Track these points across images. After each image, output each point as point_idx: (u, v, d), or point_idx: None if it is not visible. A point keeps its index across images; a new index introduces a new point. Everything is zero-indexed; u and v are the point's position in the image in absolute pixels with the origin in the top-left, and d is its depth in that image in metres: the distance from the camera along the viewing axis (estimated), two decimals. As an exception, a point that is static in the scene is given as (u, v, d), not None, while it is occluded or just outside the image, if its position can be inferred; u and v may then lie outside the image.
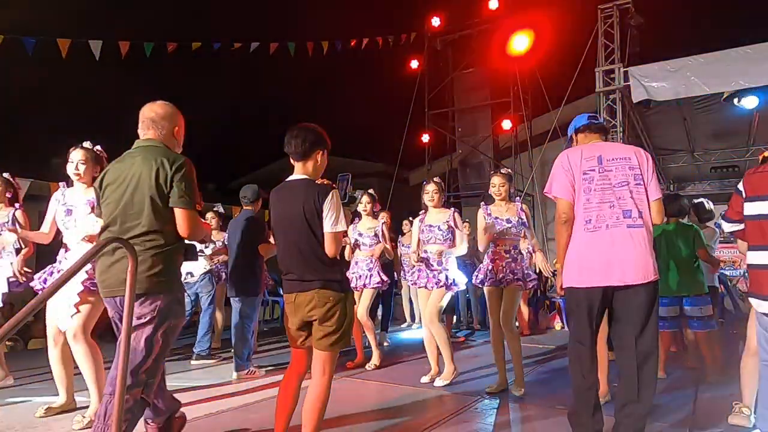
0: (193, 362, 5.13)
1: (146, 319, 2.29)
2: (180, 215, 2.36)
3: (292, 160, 2.59)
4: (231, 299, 4.68)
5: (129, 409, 2.18)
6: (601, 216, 2.54)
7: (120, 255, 2.31)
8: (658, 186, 2.64)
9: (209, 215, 5.98)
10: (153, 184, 2.32)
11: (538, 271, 5.18)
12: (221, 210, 6.24)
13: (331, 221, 2.41)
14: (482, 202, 4.12)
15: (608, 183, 2.56)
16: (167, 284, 2.36)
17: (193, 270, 5.24)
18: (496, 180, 4.03)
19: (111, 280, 2.35)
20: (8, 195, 4.10)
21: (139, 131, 2.53)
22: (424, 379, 4.24)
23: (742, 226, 2.74)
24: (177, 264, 2.45)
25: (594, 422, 2.55)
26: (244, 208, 4.73)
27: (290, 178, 2.59)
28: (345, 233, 2.49)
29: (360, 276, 4.85)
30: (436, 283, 4.12)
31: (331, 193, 2.44)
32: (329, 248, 2.43)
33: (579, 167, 2.61)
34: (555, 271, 3.22)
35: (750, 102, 7.51)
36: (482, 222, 3.98)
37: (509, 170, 4.24)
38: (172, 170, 2.34)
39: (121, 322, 2.28)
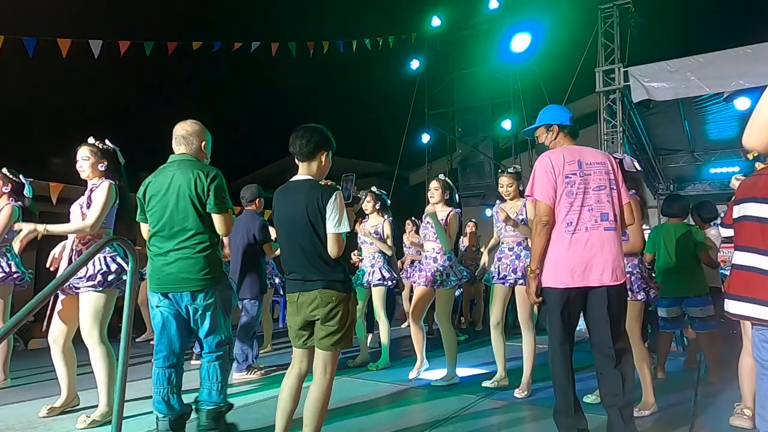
0: (193, 362, 5.14)
1: (212, 309, 2.82)
2: (217, 219, 2.79)
3: (296, 161, 2.59)
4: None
5: (225, 371, 2.87)
6: (581, 219, 2.61)
7: (174, 257, 2.74)
8: (626, 191, 2.78)
9: None
10: (193, 193, 2.73)
11: None
12: None
13: (334, 222, 2.42)
14: (497, 200, 4.13)
15: (588, 187, 2.64)
16: (218, 278, 2.85)
17: None
18: (503, 180, 4.03)
19: (167, 278, 2.75)
20: (5, 189, 4.05)
21: (174, 147, 2.93)
22: (412, 374, 4.30)
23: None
24: (220, 258, 2.92)
25: (576, 420, 2.61)
26: (245, 208, 4.73)
27: (294, 178, 2.60)
28: (348, 234, 2.52)
29: (363, 273, 4.87)
30: (431, 282, 4.16)
31: (334, 194, 2.44)
32: (332, 249, 2.44)
33: (562, 170, 2.66)
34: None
35: (742, 103, 7.51)
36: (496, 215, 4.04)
37: (518, 168, 4.21)
38: (208, 181, 2.75)
39: (176, 314, 2.82)
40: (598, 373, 2.69)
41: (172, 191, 2.75)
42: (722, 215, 2.99)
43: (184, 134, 2.89)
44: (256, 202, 4.70)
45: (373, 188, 5.02)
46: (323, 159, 2.58)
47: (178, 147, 2.90)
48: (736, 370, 3.16)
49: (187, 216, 2.73)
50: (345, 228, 2.44)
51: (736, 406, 3.16)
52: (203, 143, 2.94)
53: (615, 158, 2.90)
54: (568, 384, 2.62)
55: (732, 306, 2.17)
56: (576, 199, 2.62)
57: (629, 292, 3.18)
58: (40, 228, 3.18)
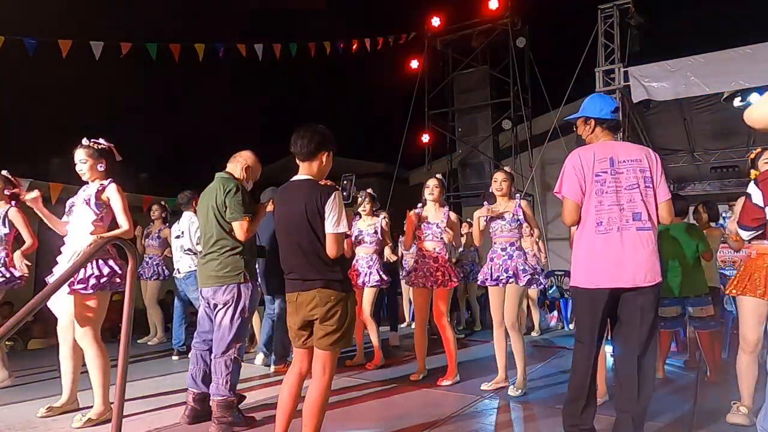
0: (173, 358, 5.18)
1: (228, 304, 3.11)
2: (235, 227, 3.12)
3: (297, 160, 2.59)
4: (265, 297, 4.77)
5: (228, 367, 3.07)
6: (612, 218, 2.54)
7: (206, 260, 3.18)
8: (667, 187, 2.63)
9: (154, 207, 6.37)
10: (215, 205, 3.14)
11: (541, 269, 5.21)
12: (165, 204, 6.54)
13: (332, 222, 2.42)
14: (485, 201, 4.13)
15: (620, 185, 2.56)
16: (237, 276, 3.12)
17: (180, 267, 5.26)
18: (498, 176, 4.04)
19: (201, 276, 3.22)
20: (7, 192, 4.09)
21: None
22: (413, 377, 4.30)
23: (760, 232, 2.69)
24: (245, 260, 3.16)
25: (582, 420, 2.58)
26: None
27: (294, 178, 2.60)
28: (347, 234, 2.53)
29: (360, 274, 4.86)
30: (434, 282, 4.16)
31: (333, 194, 2.44)
32: (330, 249, 2.43)
33: (591, 169, 2.59)
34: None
35: (754, 99, 7.49)
36: (477, 214, 4.02)
37: (511, 170, 4.24)
38: (224, 194, 3.11)
39: (208, 306, 3.23)
40: (616, 377, 2.65)
41: (205, 206, 3.21)
42: (725, 215, 2.95)
43: (236, 154, 3.34)
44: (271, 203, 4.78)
45: (369, 190, 5.06)
46: (324, 159, 2.58)
47: (228, 165, 3.34)
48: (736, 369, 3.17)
49: (212, 225, 3.16)
50: (343, 228, 2.44)
51: (733, 404, 3.17)
52: (246, 167, 3.30)
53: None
54: (584, 386, 2.57)
55: None
56: (606, 197, 2.55)
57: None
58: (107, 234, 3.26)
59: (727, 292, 3.30)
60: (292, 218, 2.49)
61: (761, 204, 2.51)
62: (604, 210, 2.55)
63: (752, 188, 2.58)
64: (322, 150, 2.56)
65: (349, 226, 2.58)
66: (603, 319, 2.58)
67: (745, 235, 2.86)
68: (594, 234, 2.57)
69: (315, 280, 2.43)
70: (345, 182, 2.62)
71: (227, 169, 3.32)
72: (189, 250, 5.17)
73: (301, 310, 2.47)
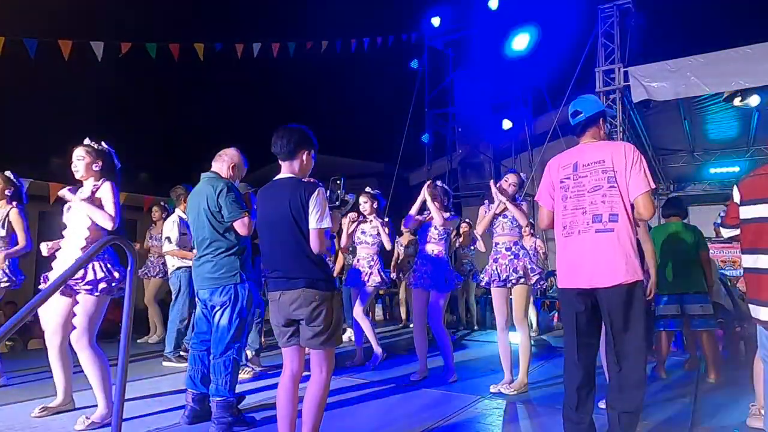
0: (164, 363, 4.99)
1: (226, 305, 3.10)
2: (237, 225, 3.11)
3: (279, 160, 2.61)
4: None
5: (227, 367, 3.06)
6: (574, 222, 2.63)
7: (201, 262, 3.17)
8: (643, 180, 2.51)
9: (155, 208, 6.44)
10: (207, 206, 3.11)
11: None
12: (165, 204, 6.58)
13: (316, 217, 2.42)
14: (485, 200, 4.14)
15: (582, 189, 2.62)
16: (233, 277, 3.12)
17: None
18: (510, 178, 4.05)
19: (197, 278, 3.21)
20: (8, 192, 4.09)
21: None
22: (414, 378, 4.27)
23: (738, 231, 2.70)
24: (240, 260, 3.16)
25: (578, 416, 2.61)
26: None
27: (277, 177, 2.61)
28: (333, 234, 2.52)
29: (360, 273, 4.84)
30: (430, 285, 4.17)
31: (316, 190, 2.46)
32: (314, 244, 2.43)
33: (557, 176, 2.73)
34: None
35: (754, 100, 7.50)
36: (481, 214, 4.08)
37: (524, 175, 4.25)
38: (216, 194, 3.09)
39: (205, 308, 3.22)
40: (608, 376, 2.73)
41: (195, 208, 3.19)
42: (722, 214, 2.95)
43: (220, 152, 3.33)
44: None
45: (368, 189, 4.99)
46: (305, 158, 2.60)
47: (214, 164, 3.31)
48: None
49: (205, 227, 3.14)
50: (327, 223, 2.45)
51: (752, 406, 3.11)
52: (233, 166, 3.30)
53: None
54: (573, 381, 2.62)
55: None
56: (569, 202, 2.65)
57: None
58: (74, 197, 3.23)
59: None
60: (276, 216, 2.48)
61: (737, 201, 2.54)
62: (567, 214, 2.66)
63: (735, 189, 2.60)
64: (302, 149, 2.58)
65: (335, 227, 2.58)
66: (585, 317, 2.61)
67: (725, 232, 2.88)
68: (561, 237, 2.70)
69: (299, 279, 2.42)
70: (332, 184, 2.63)
71: (213, 169, 3.29)
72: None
73: (283, 309, 2.46)
